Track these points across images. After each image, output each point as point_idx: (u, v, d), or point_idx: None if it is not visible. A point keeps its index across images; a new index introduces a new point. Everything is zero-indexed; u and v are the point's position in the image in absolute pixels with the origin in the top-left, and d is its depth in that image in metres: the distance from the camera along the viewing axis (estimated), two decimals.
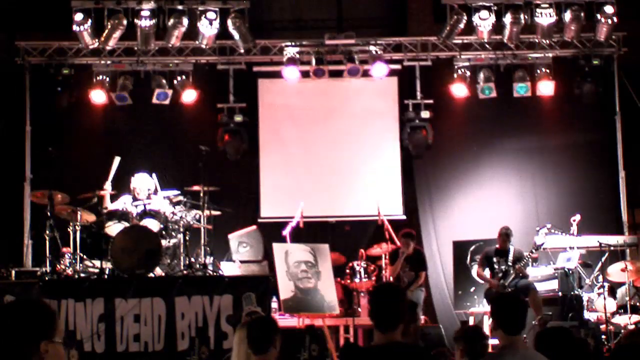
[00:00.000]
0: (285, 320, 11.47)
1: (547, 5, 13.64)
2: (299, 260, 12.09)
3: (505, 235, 12.14)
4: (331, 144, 14.80)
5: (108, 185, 11.80)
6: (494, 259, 12.08)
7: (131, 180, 11.98)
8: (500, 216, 13.63)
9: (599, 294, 12.29)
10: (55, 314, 3.24)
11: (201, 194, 11.54)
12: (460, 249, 13.60)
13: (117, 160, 11.90)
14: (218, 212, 12.06)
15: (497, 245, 12.23)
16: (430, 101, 14.67)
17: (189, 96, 14.45)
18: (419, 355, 4.57)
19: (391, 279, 12.46)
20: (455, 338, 6.25)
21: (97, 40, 13.77)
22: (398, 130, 14.77)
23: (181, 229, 11.44)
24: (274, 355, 5.12)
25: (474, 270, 12.80)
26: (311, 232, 13.42)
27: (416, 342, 5.40)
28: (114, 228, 11.26)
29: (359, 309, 12.29)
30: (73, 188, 12.00)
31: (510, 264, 11.93)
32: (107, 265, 10.99)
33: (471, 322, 12.66)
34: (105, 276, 10.94)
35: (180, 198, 11.84)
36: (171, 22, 13.66)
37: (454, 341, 6.27)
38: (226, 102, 14.70)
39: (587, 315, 12.21)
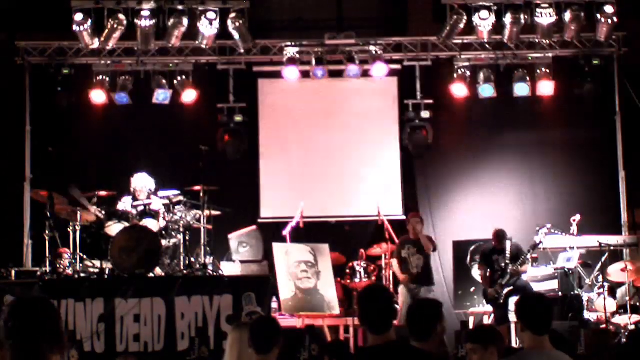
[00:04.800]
0: (285, 320, 11.48)
1: (547, 5, 13.63)
2: (299, 260, 12.11)
3: (499, 236, 12.12)
4: (331, 144, 14.80)
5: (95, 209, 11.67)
6: (493, 257, 12.08)
7: (131, 180, 11.99)
8: (500, 216, 13.65)
9: (599, 294, 12.29)
10: (59, 315, 3.26)
11: (201, 194, 11.55)
12: (460, 249, 13.59)
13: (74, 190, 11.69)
14: (218, 212, 12.06)
15: (494, 244, 12.22)
16: (430, 101, 14.66)
17: (189, 96, 14.45)
18: (419, 355, 4.56)
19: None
20: (470, 337, 6.00)
21: (97, 40, 13.77)
22: (398, 130, 14.77)
23: (181, 229, 11.44)
24: (276, 355, 5.13)
25: (474, 270, 12.80)
26: (311, 232, 13.41)
27: (442, 341, 5.33)
28: (114, 228, 11.26)
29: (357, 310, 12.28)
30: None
31: (508, 261, 11.92)
32: (107, 265, 11.00)
33: (471, 322, 12.66)
34: (105, 276, 10.95)
35: (180, 198, 11.85)
36: (171, 22, 13.65)
37: (468, 340, 6.05)
38: (226, 102, 14.70)
39: (587, 315, 12.21)
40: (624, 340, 10.53)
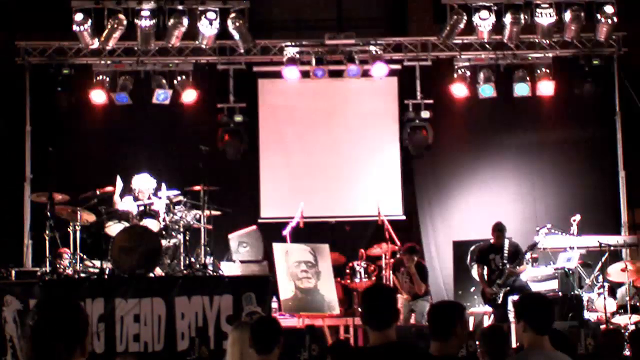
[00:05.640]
0: (285, 320, 11.47)
1: (547, 5, 13.64)
2: (299, 260, 12.10)
3: (498, 230, 12.08)
4: (331, 144, 14.80)
5: (117, 198, 11.75)
6: (490, 256, 12.07)
7: (132, 181, 11.99)
8: (500, 216, 13.59)
9: (599, 294, 12.29)
10: (84, 318, 3.26)
11: (201, 194, 11.54)
12: (460, 249, 13.60)
13: (119, 180, 11.80)
14: (218, 212, 12.06)
15: (492, 241, 12.19)
16: (430, 101, 14.67)
17: (189, 96, 14.44)
18: (419, 355, 4.56)
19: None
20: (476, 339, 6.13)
21: (97, 40, 13.77)
22: (398, 130, 14.77)
23: (181, 229, 11.44)
24: (277, 355, 5.14)
25: (474, 270, 12.80)
26: (311, 232, 13.41)
27: (461, 344, 5.38)
28: (114, 228, 11.27)
29: (359, 309, 12.27)
30: (73, 188, 12.01)
31: (505, 260, 11.93)
32: (107, 265, 10.99)
33: (471, 322, 12.66)
34: (105, 276, 10.94)
35: (180, 198, 11.84)
36: (171, 22, 13.66)
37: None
38: (226, 102, 14.69)
39: (587, 315, 12.21)
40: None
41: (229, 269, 11.90)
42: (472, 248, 13.20)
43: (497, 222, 12.20)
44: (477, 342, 6.25)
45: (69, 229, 11.42)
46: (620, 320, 12.12)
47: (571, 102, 14.61)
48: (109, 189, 11.80)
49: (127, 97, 14.40)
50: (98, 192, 11.76)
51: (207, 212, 11.61)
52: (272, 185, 14.72)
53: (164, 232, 11.51)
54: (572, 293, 12.40)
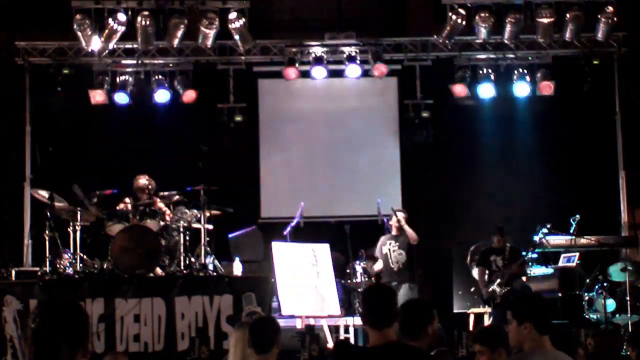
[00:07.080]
0: (285, 320, 11.46)
1: (547, 5, 13.63)
2: (299, 260, 12.09)
3: (499, 233, 12.15)
4: (331, 143, 14.80)
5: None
6: (491, 258, 12.11)
7: (133, 181, 11.99)
8: (500, 216, 13.64)
9: (599, 294, 12.29)
10: (85, 320, 3.27)
11: (201, 194, 11.54)
12: (461, 248, 13.60)
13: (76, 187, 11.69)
14: (218, 212, 12.05)
15: (493, 245, 12.25)
16: (430, 101, 14.66)
17: (189, 96, 14.44)
18: (418, 355, 4.56)
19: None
20: (477, 338, 6.05)
21: (97, 40, 13.75)
22: (398, 130, 14.77)
23: (181, 229, 11.43)
24: (275, 355, 5.14)
25: (474, 270, 12.80)
26: (311, 232, 13.41)
27: (434, 342, 5.34)
28: (114, 228, 11.26)
29: (359, 309, 12.27)
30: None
31: (506, 262, 11.96)
32: (107, 265, 10.99)
33: (471, 322, 12.66)
34: (105, 276, 10.94)
35: (180, 198, 11.84)
36: (171, 22, 13.66)
37: (475, 342, 6.10)
38: (226, 102, 14.69)
39: (587, 315, 12.21)
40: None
41: (229, 269, 11.90)
42: (471, 248, 13.21)
43: (499, 225, 12.26)
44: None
45: (69, 229, 11.42)
46: (620, 320, 12.12)
47: (571, 102, 14.60)
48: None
49: (127, 97, 14.40)
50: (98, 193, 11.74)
51: (207, 212, 11.61)
52: (272, 185, 14.72)
53: (164, 232, 11.51)
54: (572, 293, 12.41)
